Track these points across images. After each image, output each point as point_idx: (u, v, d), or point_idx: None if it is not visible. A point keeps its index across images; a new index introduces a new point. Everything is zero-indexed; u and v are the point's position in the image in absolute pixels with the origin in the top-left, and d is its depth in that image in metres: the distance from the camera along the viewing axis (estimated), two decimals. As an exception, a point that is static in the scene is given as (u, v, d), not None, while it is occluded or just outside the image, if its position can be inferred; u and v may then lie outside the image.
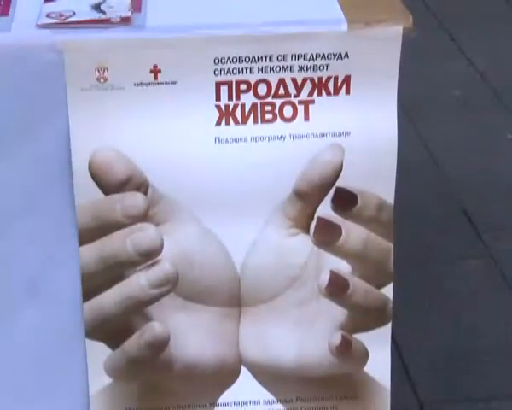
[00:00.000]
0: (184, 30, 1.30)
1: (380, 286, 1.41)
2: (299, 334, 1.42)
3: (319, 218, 1.36)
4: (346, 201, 1.35)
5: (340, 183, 1.35)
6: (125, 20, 1.31)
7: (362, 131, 1.34)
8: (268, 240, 1.38)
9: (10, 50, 1.27)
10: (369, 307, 1.41)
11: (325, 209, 1.35)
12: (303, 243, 1.38)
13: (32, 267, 1.36)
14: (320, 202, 1.35)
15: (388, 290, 1.42)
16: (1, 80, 1.27)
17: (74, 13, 1.31)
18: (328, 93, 1.32)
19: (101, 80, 1.29)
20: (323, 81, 1.31)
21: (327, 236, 1.36)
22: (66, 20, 1.30)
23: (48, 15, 1.31)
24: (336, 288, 1.38)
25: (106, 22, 1.30)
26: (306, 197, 1.35)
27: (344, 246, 1.36)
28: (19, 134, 1.30)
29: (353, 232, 1.36)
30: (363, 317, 1.41)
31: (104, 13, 1.32)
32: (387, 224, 1.38)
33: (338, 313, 1.40)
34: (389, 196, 1.37)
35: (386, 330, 1.44)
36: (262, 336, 1.42)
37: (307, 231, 1.36)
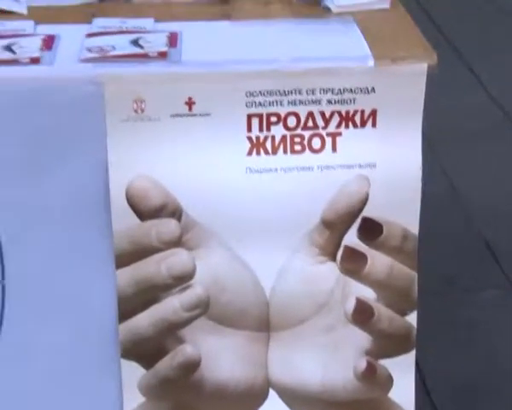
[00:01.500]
0: (218, 65, 1.32)
1: (404, 314, 1.41)
2: (326, 359, 1.42)
3: (346, 246, 1.37)
4: (371, 230, 1.36)
5: (366, 213, 1.36)
6: (162, 55, 1.33)
7: (387, 163, 1.35)
8: (296, 267, 1.39)
9: (53, 83, 1.29)
10: (393, 333, 1.41)
11: (351, 238, 1.37)
12: (330, 271, 1.39)
13: (71, 289, 1.38)
14: (347, 230, 1.36)
15: (412, 318, 1.42)
16: (44, 111, 1.30)
17: (114, 47, 1.34)
18: (355, 126, 1.34)
19: (139, 112, 1.31)
20: (351, 114, 1.33)
21: (353, 264, 1.37)
22: (107, 55, 1.32)
23: (89, 50, 1.33)
24: (362, 315, 1.38)
25: (144, 57, 1.33)
26: (333, 226, 1.36)
27: (369, 274, 1.37)
28: (60, 162, 1.32)
29: (378, 261, 1.37)
30: (388, 343, 1.41)
31: (142, 48, 1.35)
32: (411, 253, 1.39)
33: (363, 339, 1.40)
34: (413, 227, 1.38)
35: (410, 356, 1.44)
36: (289, 360, 1.42)
37: (334, 258, 1.37)
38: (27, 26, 1.43)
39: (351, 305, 1.38)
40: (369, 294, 1.39)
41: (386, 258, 1.37)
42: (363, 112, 1.33)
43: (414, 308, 1.42)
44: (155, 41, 1.37)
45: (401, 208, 1.38)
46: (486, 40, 4.08)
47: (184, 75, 1.31)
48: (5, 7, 1.49)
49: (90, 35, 1.39)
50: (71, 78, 1.31)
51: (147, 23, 1.45)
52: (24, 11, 1.50)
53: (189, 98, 1.31)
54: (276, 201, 1.36)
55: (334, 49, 1.37)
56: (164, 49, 1.35)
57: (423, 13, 4.14)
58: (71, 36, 1.39)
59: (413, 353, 1.44)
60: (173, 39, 1.38)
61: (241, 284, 1.39)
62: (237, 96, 1.31)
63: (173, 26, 1.43)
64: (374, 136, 1.34)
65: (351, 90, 1.32)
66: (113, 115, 1.30)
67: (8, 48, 1.33)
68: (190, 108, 1.32)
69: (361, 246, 1.37)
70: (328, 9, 1.50)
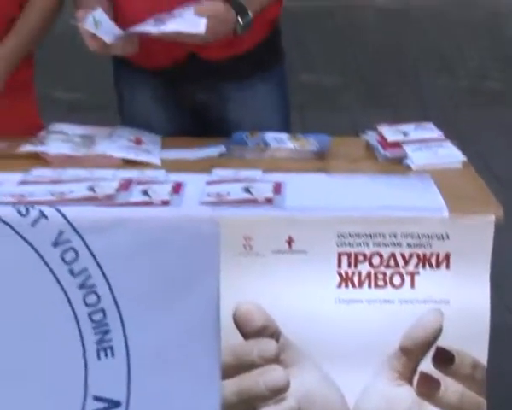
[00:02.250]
0: (315, 210, 1.37)
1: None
2: None
3: (422, 372, 1.37)
4: (445, 359, 1.36)
5: (439, 343, 1.36)
6: (268, 201, 1.39)
7: (459, 300, 1.36)
8: (377, 388, 1.39)
9: (180, 221, 1.36)
10: None
11: (427, 365, 1.37)
12: (407, 393, 1.38)
13: (182, 396, 1.41)
14: (422, 358, 1.37)
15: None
16: (171, 247, 1.35)
17: (229, 193, 1.40)
18: (431, 267, 1.36)
19: (247, 248, 1.36)
20: (427, 257, 1.35)
21: (428, 388, 1.37)
22: (223, 199, 1.39)
23: (209, 195, 1.40)
24: None
25: (253, 202, 1.39)
26: (411, 354, 1.37)
27: (443, 398, 1.36)
28: (182, 289, 1.37)
29: (451, 387, 1.36)
30: None
31: (252, 194, 1.41)
32: (481, 382, 1.38)
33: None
34: (482, 357, 1.37)
35: None
36: None
37: (411, 382, 1.38)
38: (160, 174, 1.51)
39: None
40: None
41: (457, 385, 1.37)
42: (438, 255, 1.35)
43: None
44: (263, 189, 1.43)
45: (471, 340, 1.38)
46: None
47: (287, 218, 1.36)
48: (144, 159, 1.59)
49: (209, 183, 1.46)
50: (194, 218, 1.37)
51: (256, 174, 1.51)
52: (158, 162, 1.59)
53: (290, 237, 1.36)
54: (362, 328, 1.38)
55: (413, 200, 1.41)
56: (270, 195, 1.41)
57: (489, 171, 4.14)
58: (194, 183, 1.46)
59: None
60: (278, 188, 1.44)
61: (329, 399, 1.40)
62: (330, 236, 1.36)
63: (278, 177, 1.49)
64: (447, 276, 1.36)
65: (428, 236, 1.34)
66: (226, 251, 1.36)
67: (145, 192, 1.41)
68: (290, 246, 1.36)
69: (435, 372, 1.37)
70: (408, 167, 1.55)
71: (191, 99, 1.85)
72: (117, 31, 1.64)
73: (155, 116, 1.85)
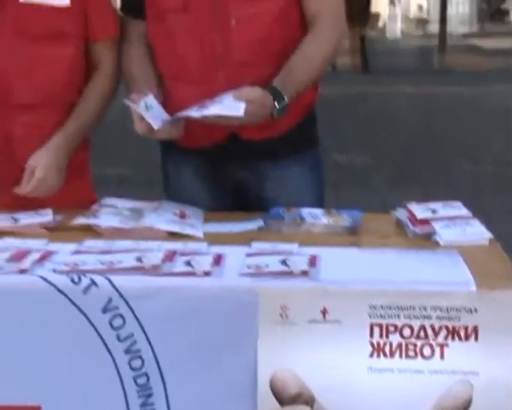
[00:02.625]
0: (348, 283, 1.36)
1: None
2: None
3: None
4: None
5: (469, 413, 1.33)
6: (304, 273, 1.38)
7: (488, 373, 1.32)
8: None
9: (221, 291, 1.35)
10: None
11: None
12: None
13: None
14: (452, 428, 1.33)
15: None
16: (212, 316, 1.34)
17: (267, 265, 1.40)
18: (460, 339, 1.32)
19: (284, 317, 1.34)
20: (456, 329, 1.32)
21: None
22: (262, 271, 1.38)
23: (248, 267, 1.40)
24: None
25: (289, 274, 1.38)
26: None
27: None
28: (221, 355, 1.35)
29: None
30: None
31: (289, 266, 1.40)
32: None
33: None
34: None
35: None
36: None
37: None
38: (202, 246, 1.52)
39: None
40: None
41: None
42: (466, 328, 1.32)
43: None
44: (299, 261, 1.42)
45: (501, 410, 1.34)
46: None
47: (321, 290, 1.35)
48: (187, 232, 1.60)
49: (249, 255, 1.46)
50: (234, 288, 1.36)
51: (293, 247, 1.51)
52: (200, 235, 1.60)
53: (324, 308, 1.34)
54: (393, 397, 1.35)
55: (442, 275, 1.39)
56: (305, 268, 1.40)
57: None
58: (235, 255, 1.46)
59: None
60: (313, 261, 1.43)
61: None
62: (363, 308, 1.34)
63: (313, 251, 1.48)
64: (476, 348, 1.33)
65: (456, 309, 1.32)
66: (264, 320, 1.34)
67: (188, 263, 1.41)
68: (324, 316, 1.34)
69: None
70: (437, 243, 1.53)
71: (231, 177, 1.87)
72: (165, 116, 1.67)
73: (198, 193, 1.87)
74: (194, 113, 1.65)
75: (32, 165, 1.73)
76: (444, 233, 1.53)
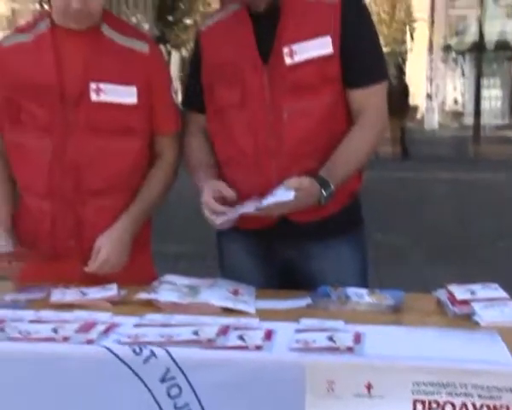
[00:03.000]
0: (392, 359, 1.33)
1: None
2: None
3: None
4: None
5: None
6: (350, 349, 1.36)
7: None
8: None
9: (271, 364, 1.34)
10: None
11: None
12: None
13: None
14: None
15: None
16: (262, 387, 1.33)
17: (315, 341, 1.38)
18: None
19: (330, 391, 1.31)
20: (497, 408, 1.28)
21: None
22: (309, 346, 1.37)
23: (297, 342, 1.38)
24: None
25: (336, 349, 1.36)
26: None
27: None
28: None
29: None
30: None
31: (335, 342, 1.38)
32: None
33: None
34: None
35: None
36: None
37: None
38: (254, 322, 1.51)
39: None
40: None
41: None
42: (508, 407, 1.28)
43: None
44: (345, 338, 1.41)
45: None
46: None
47: (366, 365, 1.33)
48: (240, 308, 1.59)
49: (298, 331, 1.45)
50: (283, 362, 1.35)
51: (339, 324, 1.49)
52: (253, 311, 1.59)
53: (369, 383, 1.32)
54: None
55: (482, 354, 1.35)
56: (351, 344, 1.38)
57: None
58: (284, 331, 1.45)
59: None
60: (358, 337, 1.42)
61: None
62: (406, 384, 1.31)
63: (358, 328, 1.46)
64: None
65: (497, 388, 1.28)
66: (311, 393, 1.32)
67: (241, 337, 1.41)
68: (369, 391, 1.32)
69: None
70: (476, 323, 1.50)
71: (280, 255, 1.87)
72: (232, 215, 1.71)
73: (249, 269, 1.88)
74: (250, 209, 1.68)
75: (98, 245, 1.77)
76: (483, 314, 1.50)
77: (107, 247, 1.77)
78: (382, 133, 1.89)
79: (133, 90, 1.79)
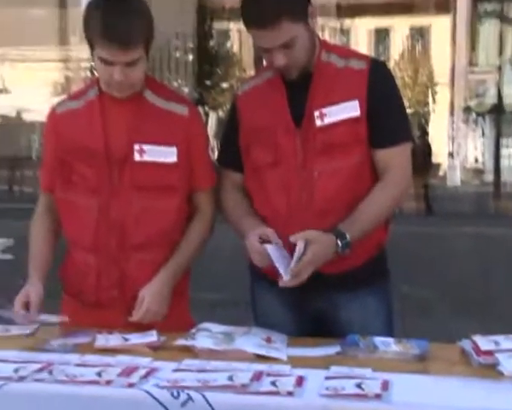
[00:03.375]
0: (419, 406, 1.31)
1: None
2: None
3: None
4: None
5: None
6: (377, 396, 1.34)
7: None
8: None
9: None
10: None
11: None
12: None
13: None
14: None
15: None
16: None
17: (344, 388, 1.36)
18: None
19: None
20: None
21: None
22: (339, 393, 1.35)
23: (327, 388, 1.37)
24: None
25: (364, 396, 1.34)
26: None
27: None
28: None
29: None
30: None
31: (363, 389, 1.36)
32: None
33: None
34: None
35: None
36: None
37: None
38: (286, 368, 1.49)
39: None
40: None
41: None
42: None
43: None
44: (373, 385, 1.38)
45: None
46: None
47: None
48: (273, 355, 1.58)
49: (328, 378, 1.43)
50: (314, 408, 1.33)
51: (367, 372, 1.46)
52: (284, 358, 1.57)
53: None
54: None
55: (506, 404, 1.32)
56: (378, 391, 1.35)
57: None
58: (315, 377, 1.43)
59: None
60: (385, 385, 1.39)
61: None
62: None
63: (386, 376, 1.44)
64: None
65: None
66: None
67: (273, 383, 1.39)
68: None
69: None
70: (501, 373, 1.46)
71: (312, 305, 1.86)
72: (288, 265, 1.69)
73: (282, 317, 1.87)
74: (283, 275, 1.69)
75: (141, 297, 1.79)
76: (507, 364, 1.46)
77: (149, 299, 1.78)
78: (406, 191, 1.89)
79: (173, 150, 1.82)
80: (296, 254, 1.67)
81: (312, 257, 1.67)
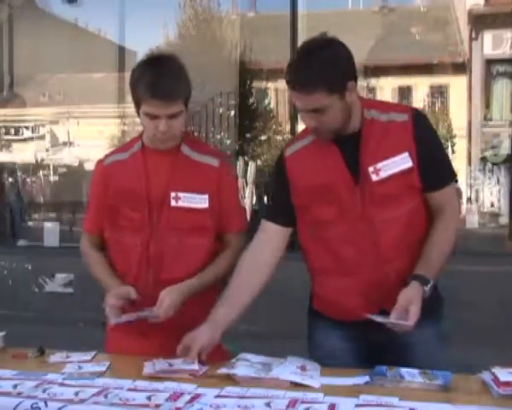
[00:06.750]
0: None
1: None
2: None
3: None
4: None
5: None
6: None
7: None
8: None
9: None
10: None
11: None
12: None
13: None
14: None
15: None
16: None
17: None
18: None
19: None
20: None
21: None
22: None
23: (357, 416, 1.34)
24: None
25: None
26: None
27: None
28: None
29: None
30: None
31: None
32: None
33: None
34: None
35: None
36: None
37: None
38: (319, 396, 1.46)
39: None
40: None
41: None
42: None
43: None
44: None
45: None
46: None
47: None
48: (307, 383, 1.54)
49: (357, 405, 1.39)
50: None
51: (394, 400, 1.42)
52: (318, 386, 1.53)
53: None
54: None
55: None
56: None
57: None
58: (345, 405, 1.40)
59: None
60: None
61: None
62: None
63: (411, 404, 1.40)
64: None
65: None
66: None
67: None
68: None
69: None
70: None
71: (371, 338, 1.79)
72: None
73: (341, 351, 1.82)
74: (380, 318, 1.68)
75: (162, 297, 1.79)
76: (526, 395, 1.41)
77: (167, 299, 1.78)
78: (459, 225, 1.86)
79: (205, 197, 1.89)
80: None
81: (414, 317, 1.64)
